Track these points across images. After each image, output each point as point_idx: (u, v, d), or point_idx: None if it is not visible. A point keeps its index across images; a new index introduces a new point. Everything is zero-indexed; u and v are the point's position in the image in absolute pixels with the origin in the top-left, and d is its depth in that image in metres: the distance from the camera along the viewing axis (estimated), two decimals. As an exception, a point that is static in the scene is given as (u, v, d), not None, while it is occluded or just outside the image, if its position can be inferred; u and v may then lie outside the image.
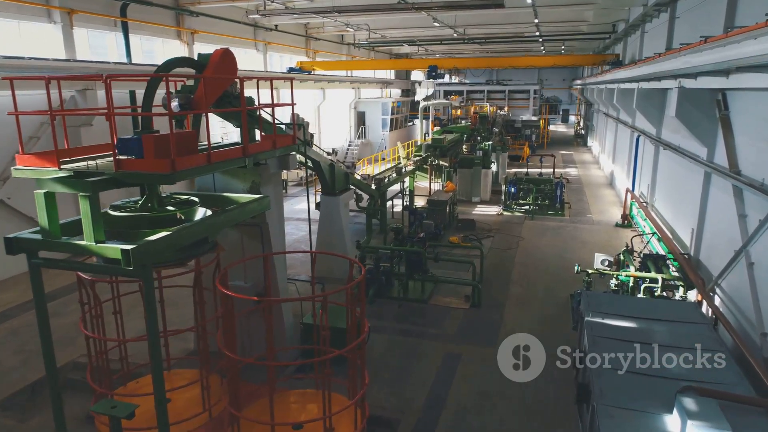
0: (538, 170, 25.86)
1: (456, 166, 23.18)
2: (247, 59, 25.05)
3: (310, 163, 12.86)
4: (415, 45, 38.26)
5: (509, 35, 32.09)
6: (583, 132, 50.65)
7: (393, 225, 13.31)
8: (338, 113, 35.56)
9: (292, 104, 8.96)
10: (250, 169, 8.97)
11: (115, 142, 6.18)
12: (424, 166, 22.23)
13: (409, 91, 48.61)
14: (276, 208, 9.67)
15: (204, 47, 22.49)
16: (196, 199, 7.56)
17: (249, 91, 8.79)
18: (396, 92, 46.34)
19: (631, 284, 10.58)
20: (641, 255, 12.53)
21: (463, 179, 23.45)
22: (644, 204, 17.07)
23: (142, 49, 18.64)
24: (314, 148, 12.41)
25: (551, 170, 26.29)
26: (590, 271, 10.69)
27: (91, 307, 7.11)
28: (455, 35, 29.96)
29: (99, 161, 6.63)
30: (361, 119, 37.85)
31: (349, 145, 36.46)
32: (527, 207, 21.16)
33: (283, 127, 10.70)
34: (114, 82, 5.98)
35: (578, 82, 46.19)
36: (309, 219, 10.51)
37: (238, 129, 8.46)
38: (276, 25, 25.94)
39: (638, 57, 20.93)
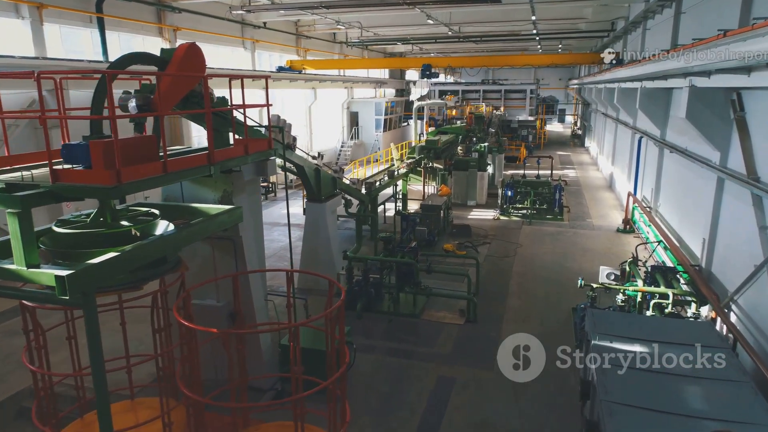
0: (536, 172, 25.10)
1: (451, 169, 22.38)
2: (234, 58, 24.17)
3: (294, 168, 12.03)
4: (410, 44, 37.42)
5: (505, 34, 31.29)
6: (580, 132, 49.95)
7: (383, 234, 12.47)
8: (330, 114, 34.70)
9: (267, 105, 8.11)
10: (221, 177, 8.14)
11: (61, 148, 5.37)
12: (418, 169, 21.38)
13: (403, 91, 47.80)
14: (252, 219, 8.84)
15: (188, 45, 21.61)
16: (155, 212, 6.70)
17: (231, 92, 7.94)
18: (390, 92, 45.50)
19: (638, 299, 9.78)
20: (647, 265, 11.75)
21: (458, 182, 22.64)
22: (647, 209, 16.29)
23: (120, 48, 17.71)
24: (297, 151, 11.55)
25: (549, 172, 25.53)
26: (595, 286, 9.89)
27: (33, 337, 6.24)
28: (450, 33, 29.14)
29: (35, 171, 5.77)
30: (354, 120, 37.01)
31: (342, 146, 35.63)
32: (525, 211, 20.36)
33: (262, 130, 9.87)
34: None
35: (575, 81, 45.46)
36: (289, 231, 9.65)
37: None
38: (264, 23, 25.04)
39: (640, 55, 20.14)
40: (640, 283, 9.90)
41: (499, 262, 15.14)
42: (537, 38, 32.45)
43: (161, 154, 6.20)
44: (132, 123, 6.76)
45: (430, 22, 24.37)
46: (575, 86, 44.65)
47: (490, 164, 24.56)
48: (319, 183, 12.43)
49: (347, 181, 15.40)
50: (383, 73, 45.12)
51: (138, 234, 6.02)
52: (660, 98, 14.94)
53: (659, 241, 13.06)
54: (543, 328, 11.08)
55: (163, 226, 6.60)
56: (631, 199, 18.07)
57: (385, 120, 37.27)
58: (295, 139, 11.18)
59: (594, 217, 20.27)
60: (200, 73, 7.50)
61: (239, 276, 8.50)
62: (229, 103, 8.17)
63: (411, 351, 10.17)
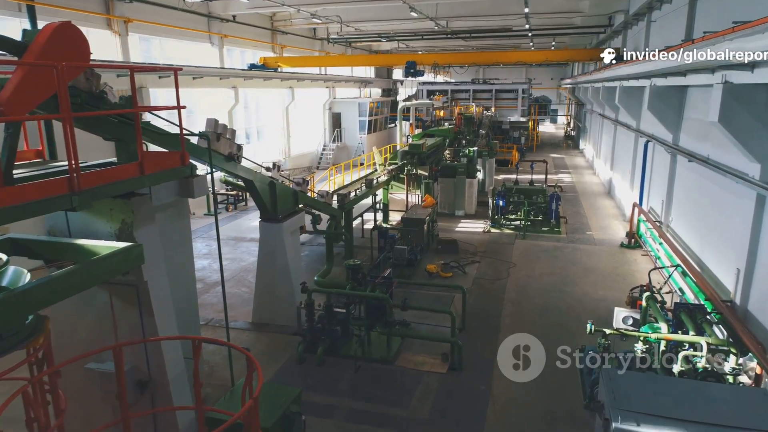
0: (529, 177, 23.20)
1: (437, 176, 20.37)
2: (199, 54, 22.04)
3: (240, 182, 9.99)
4: (395, 41, 35.44)
5: (496, 29, 29.37)
6: (573, 133, 48.21)
7: (350, 261, 10.45)
8: (311, 115, 32.63)
9: (179, 107, 6.06)
10: (118, 203, 6.10)
11: None
12: (401, 176, 19.39)
13: (390, 91, 45.80)
14: (171, 255, 6.75)
15: (143, 39, 19.48)
16: (2, 257, 4.70)
17: (132, 88, 5.94)
18: (376, 92, 43.49)
19: (662, 347, 7.84)
20: (660, 292, 9.83)
21: (445, 190, 20.66)
22: (657, 223, 14.39)
23: (59, 40, 15.56)
24: (245, 163, 9.51)
25: (543, 177, 23.65)
26: (608, 332, 7.94)
27: None
28: (437, 28, 27.16)
29: None
30: (336, 121, 34.95)
31: (324, 149, 33.58)
32: (518, 223, 18.41)
33: (194, 140, 7.84)
34: None
35: (568, 81, 43.67)
36: (221, 268, 7.59)
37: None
38: (233, 16, 22.94)
39: (644, 50, 18.29)
40: (663, 327, 7.94)
41: (489, 287, 13.17)
42: (529, 34, 30.57)
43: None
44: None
45: (414, 15, 22.37)
46: (568, 86, 42.86)
47: (479, 170, 22.60)
48: (274, 199, 10.39)
49: (317, 194, 13.36)
50: (369, 73, 43.09)
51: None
52: (673, 97, 13.05)
53: (676, 266, 11.13)
54: (543, 377, 9.08)
55: (11, 277, 4.61)
56: (636, 210, 16.17)
57: (370, 121, 35.26)
58: (239, 147, 9.13)
59: (594, 229, 18.36)
60: (81, 61, 5.47)
61: (147, 332, 6.48)
62: (135, 105, 6.12)
63: (381, 413, 8.15)
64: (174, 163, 6.11)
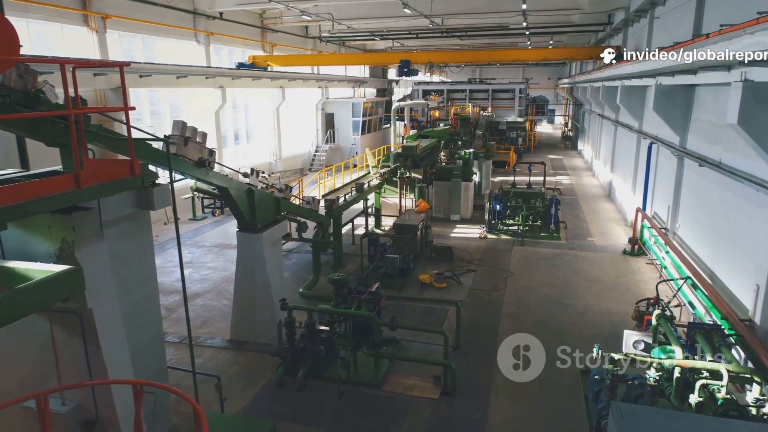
0: (527, 179, 22.44)
1: (431, 179, 19.60)
2: (184, 52, 21.19)
3: (214, 189, 9.21)
4: (389, 39, 34.67)
5: (493, 27, 28.60)
6: (571, 134, 47.51)
7: (335, 275, 9.62)
8: (303, 115, 31.80)
9: (126, 108, 5.25)
10: (57, 219, 5.30)
11: None
12: (394, 179, 18.60)
13: (385, 91, 45.01)
14: (107, 278, 5.90)
15: (124, 37, 18.63)
16: None
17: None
18: (371, 92, 42.68)
19: (676, 374, 7.08)
20: (670, 307, 9.08)
21: (440, 194, 19.88)
22: (662, 230, 13.64)
23: (30, 39, 14.72)
24: (219, 169, 8.71)
25: (541, 179, 22.91)
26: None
27: None
28: (431, 26, 26.37)
29: None
30: (329, 122, 34.12)
31: (317, 151, 32.76)
32: (516, 228, 17.64)
33: (158, 145, 7.03)
34: None
35: (566, 80, 42.96)
36: (184, 291, 6.77)
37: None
38: (221, 13, 22.10)
39: (646, 48, 17.58)
40: (678, 352, 7.17)
41: (485, 299, 12.39)
42: (527, 32, 29.81)
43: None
44: None
45: (407, 11, 21.57)
46: (566, 85, 42.14)
47: (476, 172, 21.82)
48: (253, 207, 9.58)
49: (303, 200, 12.56)
50: (363, 72, 42.30)
51: None
52: (679, 97, 12.31)
53: (686, 278, 10.37)
54: (544, 403, 8.34)
55: None
56: (639, 215, 15.41)
57: (364, 122, 34.44)
58: (211, 153, 8.32)
59: (595, 235, 17.60)
60: (7, 55, 4.69)
61: (92, 365, 5.69)
62: (77, 105, 5.31)
63: (365, 447, 7.38)
64: (121, 172, 5.31)
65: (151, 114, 19.81)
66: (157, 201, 6.51)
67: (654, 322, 8.32)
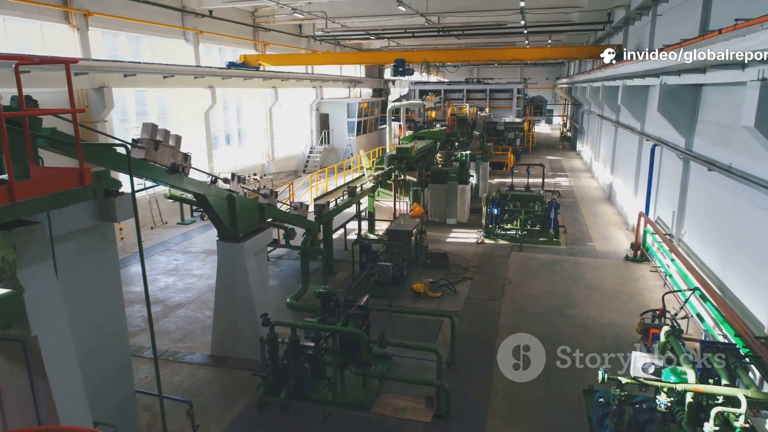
0: (525, 181, 21.89)
1: (427, 182, 19.01)
2: (172, 51, 20.57)
3: (190, 196, 8.60)
4: (385, 38, 34.07)
5: (490, 25, 28.02)
6: (569, 134, 47.00)
7: (320, 288, 9.01)
8: (297, 116, 31.18)
9: (75, 111, 4.63)
10: (-5, 235, 4.67)
11: None
12: (388, 182, 17.99)
13: (382, 91, 44.40)
14: (56, 301, 5.26)
15: (106, 35, 18.01)
16: None
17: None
18: (367, 92, 42.08)
19: (689, 399, 6.50)
20: (676, 320, 8.53)
21: (435, 197, 19.29)
22: (667, 236, 13.07)
23: (7, 36, 14.08)
24: (195, 174, 8.10)
25: (539, 180, 22.34)
26: (624, 381, 6.58)
27: None
28: (427, 24, 25.79)
29: None
30: (324, 122, 33.50)
31: (311, 152, 32.15)
32: (514, 233, 17.05)
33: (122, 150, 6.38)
34: None
35: (564, 80, 42.45)
36: (149, 308, 6.16)
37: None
38: (210, 11, 21.47)
39: (648, 46, 17.02)
40: (690, 375, 6.58)
41: (482, 309, 11.80)
42: (525, 31, 29.25)
43: None
44: None
45: (402, 9, 20.96)
46: (564, 85, 41.63)
47: (473, 174, 21.24)
48: (233, 215, 8.97)
49: (290, 206, 11.96)
50: (359, 72, 41.70)
51: None
52: (685, 98, 11.75)
53: (694, 289, 9.79)
54: (545, 426, 7.75)
55: None
56: (642, 220, 14.84)
57: (360, 122, 33.84)
58: (186, 157, 7.72)
59: (596, 240, 17.03)
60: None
61: (38, 397, 5.08)
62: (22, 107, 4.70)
63: (350, 479, 6.78)
64: (70, 183, 4.70)
65: (138, 115, 19.18)
66: (119, 212, 5.92)
67: (662, 339, 7.73)
